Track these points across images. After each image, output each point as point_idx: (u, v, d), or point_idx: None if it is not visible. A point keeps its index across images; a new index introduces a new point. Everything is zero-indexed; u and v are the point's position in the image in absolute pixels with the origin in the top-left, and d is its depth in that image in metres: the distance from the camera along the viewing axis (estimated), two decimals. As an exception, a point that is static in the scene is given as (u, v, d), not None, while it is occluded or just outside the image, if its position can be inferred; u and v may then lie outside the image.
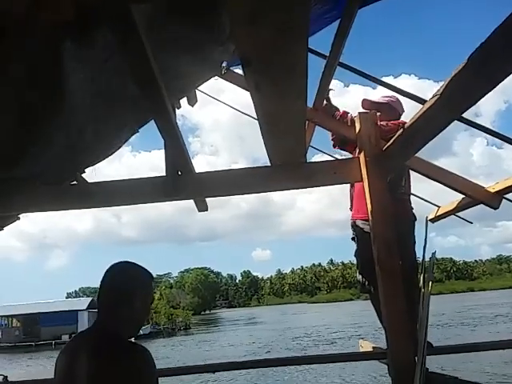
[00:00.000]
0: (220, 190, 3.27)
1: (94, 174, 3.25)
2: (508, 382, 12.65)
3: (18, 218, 3.85)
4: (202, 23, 1.99)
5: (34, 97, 1.71)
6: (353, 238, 3.57)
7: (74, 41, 1.55)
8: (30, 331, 46.95)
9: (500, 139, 2.60)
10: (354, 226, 3.51)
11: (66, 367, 1.66)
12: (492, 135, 2.62)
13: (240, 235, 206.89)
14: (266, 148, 2.79)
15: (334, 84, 3.72)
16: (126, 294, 1.69)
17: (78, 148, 2.59)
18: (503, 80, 1.83)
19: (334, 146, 3.73)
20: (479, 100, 2.02)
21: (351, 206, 3.63)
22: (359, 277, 3.57)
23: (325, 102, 3.54)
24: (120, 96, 2.43)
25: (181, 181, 3.20)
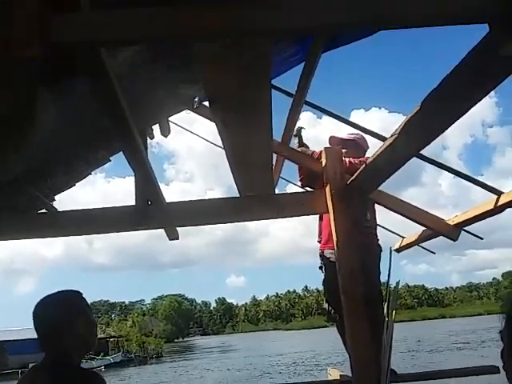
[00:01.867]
0: (190, 219, 3.31)
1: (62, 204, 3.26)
2: None
3: (-17, 246, 3.79)
4: (177, 63, 2.08)
5: None
6: (320, 267, 3.66)
7: (43, 76, 1.60)
8: (-4, 360, 44.91)
9: (453, 173, 2.75)
10: (322, 255, 3.61)
11: None
12: (448, 171, 2.77)
13: (214, 262, 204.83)
14: (234, 180, 2.87)
15: (307, 116, 3.89)
16: (65, 323, 1.70)
17: (43, 175, 2.61)
18: (456, 121, 1.97)
19: (303, 186, 3.85)
20: (434, 139, 2.16)
21: (319, 237, 3.72)
22: (326, 305, 3.64)
23: (297, 143, 3.69)
24: (89, 126, 2.48)
25: (150, 210, 3.23)
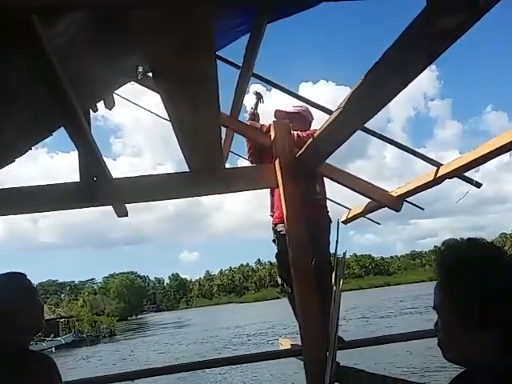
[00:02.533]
0: (138, 195, 3.25)
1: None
2: (410, 371, 13.62)
3: None
4: (116, 34, 1.98)
5: None
6: (273, 241, 3.71)
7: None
8: None
9: (395, 146, 2.85)
10: (274, 229, 3.65)
11: None
12: (390, 143, 2.86)
13: (167, 238, 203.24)
14: (183, 154, 2.82)
15: (256, 88, 3.85)
16: (10, 305, 1.66)
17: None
18: (397, 94, 2.02)
19: (252, 163, 3.85)
20: (378, 112, 2.21)
21: (272, 211, 3.76)
22: (279, 278, 3.72)
23: (249, 116, 3.67)
24: (26, 99, 2.34)
25: (97, 187, 3.13)
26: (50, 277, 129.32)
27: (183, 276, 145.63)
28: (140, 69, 3.27)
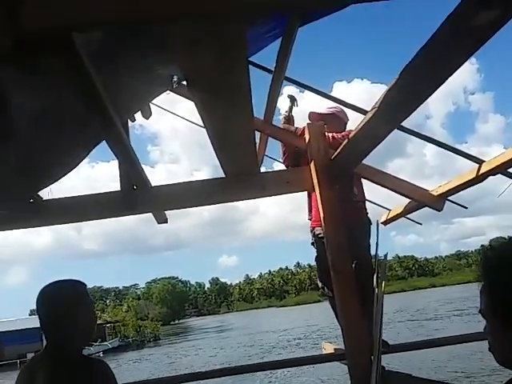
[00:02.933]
0: (176, 202, 3.31)
1: (50, 193, 3.21)
2: (458, 375, 13.14)
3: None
4: (152, 46, 2.04)
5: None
6: (312, 244, 3.68)
7: (17, 68, 1.56)
8: (-9, 352, 44.97)
9: (435, 144, 2.77)
10: (313, 232, 3.63)
11: None
12: (429, 142, 2.78)
13: (205, 243, 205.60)
14: (218, 160, 2.85)
15: (289, 91, 3.85)
16: (67, 313, 1.71)
17: (28, 171, 2.57)
18: (435, 91, 1.97)
19: (287, 166, 3.83)
20: (413, 111, 2.16)
21: (309, 214, 3.74)
22: (319, 282, 3.69)
23: (282, 120, 3.67)
24: (69, 118, 2.43)
25: (137, 195, 3.21)
26: (95, 283, 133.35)
27: (223, 280, 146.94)
28: (175, 78, 3.35)
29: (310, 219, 3.68)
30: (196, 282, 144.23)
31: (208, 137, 2.42)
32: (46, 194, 3.28)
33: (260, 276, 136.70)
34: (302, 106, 3.94)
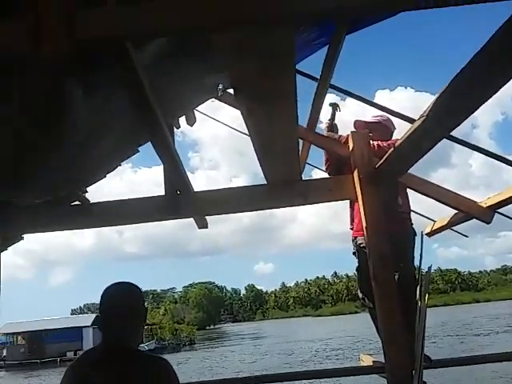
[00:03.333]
0: (218, 208, 3.35)
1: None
2: None
3: (22, 238, 3.92)
4: (201, 53, 2.09)
5: (31, 124, 1.79)
6: (354, 253, 3.63)
7: (72, 72, 1.63)
8: (35, 348, 46.67)
9: (483, 154, 2.67)
10: (354, 242, 3.58)
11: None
12: (478, 151, 2.70)
13: (242, 249, 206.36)
14: (261, 167, 2.87)
15: (331, 99, 3.84)
16: (137, 310, 1.84)
17: (75, 168, 2.68)
18: (486, 101, 1.91)
19: (330, 174, 3.80)
20: (464, 120, 2.10)
21: (351, 223, 3.69)
22: (359, 293, 3.63)
23: (326, 128, 3.66)
24: (118, 119, 2.52)
25: (180, 200, 3.28)
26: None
27: (259, 287, 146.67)
28: (220, 86, 3.41)
29: (352, 228, 3.63)
30: (232, 288, 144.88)
31: (252, 144, 2.45)
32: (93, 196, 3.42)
33: (296, 284, 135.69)
34: (343, 115, 3.91)
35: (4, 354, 46.80)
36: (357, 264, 3.57)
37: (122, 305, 1.82)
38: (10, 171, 2.21)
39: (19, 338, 48.97)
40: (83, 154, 2.45)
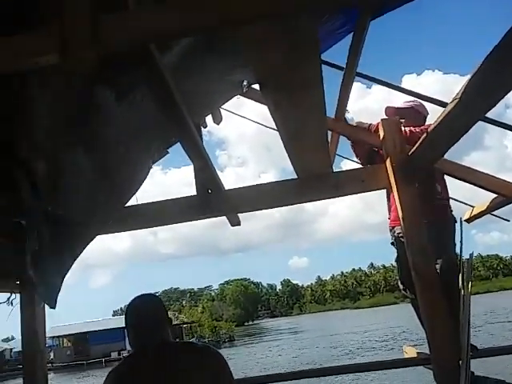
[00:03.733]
0: (250, 205, 3.35)
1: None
2: None
3: (77, 256, 4.02)
4: (225, 50, 2.08)
5: (64, 138, 1.82)
6: (392, 243, 3.56)
7: (99, 80, 1.66)
8: (80, 350, 48.25)
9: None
10: (392, 232, 3.51)
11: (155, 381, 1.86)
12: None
13: (275, 244, 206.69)
14: (291, 161, 2.84)
15: (355, 87, 3.77)
16: (166, 313, 2.11)
17: (116, 177, 2.71)
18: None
19: (362, 165, 3.73)
20: (500, 100, 2.01)
21: (389, 213, 3.62)
22: (400, 284, 3.56)
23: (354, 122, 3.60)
24: (148, 122, 2.54)
25: (212, 199, 3.29)
26: (171, 285, 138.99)
27: (294, 282, 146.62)
28: (245, 82, 3.39)
29: (389, 218, 3.56)
30: (268, 284, 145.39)
31: (280, 138, 2.43)
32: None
33: (332, 277, 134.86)
34: (370, 103, 3.82)
35: (51, 356, 48.52)
36: (396, 254, 3.49)
37: (148, 313, 2.04)
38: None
39: (65, 340, 50.68)
40: (120, 164, 2.48)
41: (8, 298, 3.40)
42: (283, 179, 3.47)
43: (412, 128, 3.24)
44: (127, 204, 3.53)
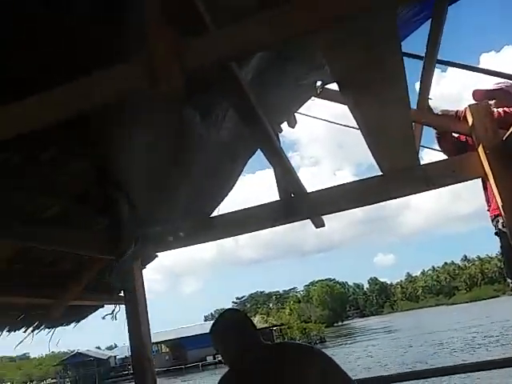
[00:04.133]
0: (335, 206, 3.29)
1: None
2: None
3: (157, 256, 4.27)
4: (298, 55, 2.08)
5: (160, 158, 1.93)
6: (496, 233, 3.34)
7: (187, 103, 1.73)
8: (178, 355, 50.60)
9: None
10: (495, 222, 3.29)
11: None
12: None
13: (358, 242, 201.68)
14: (374, 158, 2.76)
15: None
16: (250, 320, 2.28)
17: (202, 195, 2.82)
18: None
19: (450, 156, 3.53)
20: None
21: (488, 204, 3.39)
22: (507, 277, 3.32)
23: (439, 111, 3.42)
24: (231, 136, 2.62)
25: (295, 202, 3.29)
26: (257, 288, 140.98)
27: (382, 279, 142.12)
28: (318, 83, 3.36)
29: (488, 210, 3.33)
30: (354, 283, 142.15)
31: (362, 135, 2.37)
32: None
33: (423, 273, 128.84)
34: (447, 89, 3.60)
35: (152, 362, 51.10)
36: (499, 244, 3.26)
37: (240, 323, 2.19)
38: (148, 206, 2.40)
39: (163, 346, 53.36)
40: (207, 178, 2.58)
41: (112, 311, 3.68)
42: (367, 177, 3.37)
43: (506, 108, 3.01)
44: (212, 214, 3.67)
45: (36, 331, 4.04)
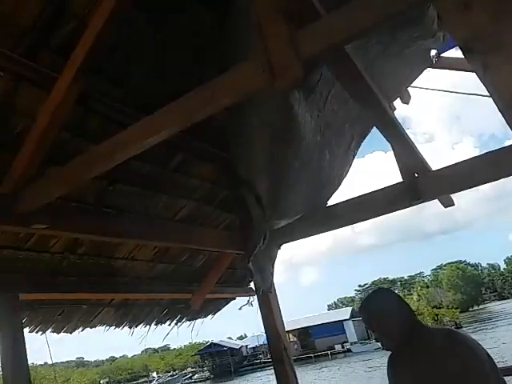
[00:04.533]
0: (464, 183, 3.04)
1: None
2: None
3: (280, 248, 4.37)
4: (411, 25, 1.97)
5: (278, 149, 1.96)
6: None
7: (301, 91, 1.73)
8: (305, 344, 51.35)
9: None
10: None
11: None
12: None
13: (486, 220, 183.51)
14: (509, 125, 2.49)
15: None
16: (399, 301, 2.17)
17: (321, 185, 2.81)
18: None
19: None
20: None
21: None
22: None
23: None
24: (343, 120, 2.56)
25: (420, 182, 3.11)
26: (380, 275, 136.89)
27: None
28: (433, 53, 3.13)
29: None
30: (488, 264, 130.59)
31: (494, 103, 2.15)
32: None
33: None
34: None
35: (282, 351, 52.56)
36: None
37: (370, 309, 2.10)
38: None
39: (290, 335, 54.54)
40: (325, 167, 2.56)
41: (248, 301, 3.89)
42: (498, 147, 3.06)
43: None
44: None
45: (179, 324, 4.42)
